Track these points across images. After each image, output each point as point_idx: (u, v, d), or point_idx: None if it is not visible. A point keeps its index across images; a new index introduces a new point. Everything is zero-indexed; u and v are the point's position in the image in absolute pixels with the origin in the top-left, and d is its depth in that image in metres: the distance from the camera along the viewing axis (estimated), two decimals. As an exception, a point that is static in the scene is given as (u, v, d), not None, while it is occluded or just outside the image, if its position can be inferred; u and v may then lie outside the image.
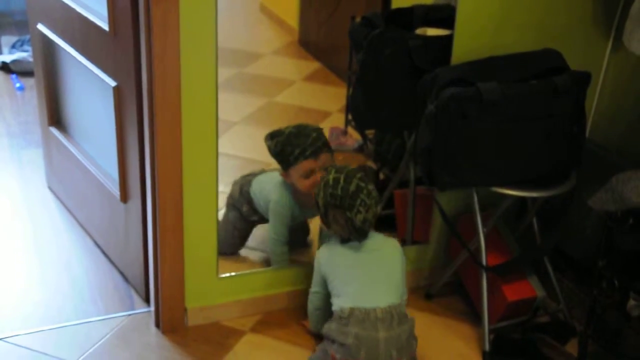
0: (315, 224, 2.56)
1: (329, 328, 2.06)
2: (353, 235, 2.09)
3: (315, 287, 2.21)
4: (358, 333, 2.00)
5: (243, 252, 2.56)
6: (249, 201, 2.49)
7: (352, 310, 2.02)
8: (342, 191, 2.05)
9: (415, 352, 2.10)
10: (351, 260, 2.12)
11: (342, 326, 2.03)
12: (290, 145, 2.28)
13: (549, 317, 2.41)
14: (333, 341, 2.04)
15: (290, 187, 2.37)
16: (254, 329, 2.35)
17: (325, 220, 2.13)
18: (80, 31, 2.43)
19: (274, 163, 2.41)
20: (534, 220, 2.38)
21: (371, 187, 2.08)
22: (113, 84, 2.31)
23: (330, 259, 2.14)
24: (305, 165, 2.29)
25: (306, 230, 2.63)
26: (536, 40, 2.30)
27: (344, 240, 2.14)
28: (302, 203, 2.39)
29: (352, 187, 2.05)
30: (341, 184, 2.05)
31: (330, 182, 2.07)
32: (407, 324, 2.07)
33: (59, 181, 2.92)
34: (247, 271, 2.42)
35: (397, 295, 2.09)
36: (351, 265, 2.11)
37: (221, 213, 2.50)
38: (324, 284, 2.15)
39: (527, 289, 2.36)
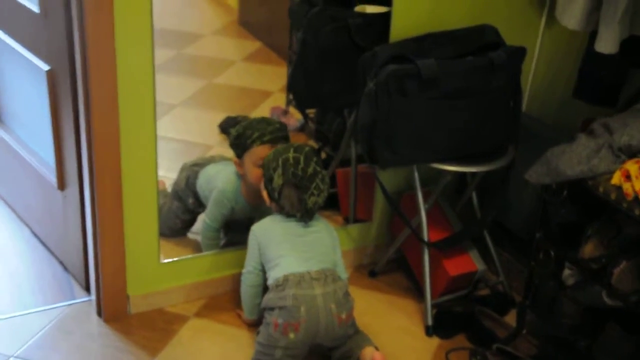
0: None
1: (267, 298, 2.08)
2: (300, 214, 2.11)
3: (248, 266, 2.18)
4: (295, 293, 2.02)
5: (185, 236, 2.54)
6: (195, 194, 2.45)
7: (286, 277, 2.04)
8: (301, 172, 2.08)
9: (353, 311, 2.10)
10: (290, 235, 2.13)
11: (279, 292, 2.04)
12: (250, 128, 2.27)
13: (489, 290, 2.46)
14: (272, 309, 2.05)
15: (239, 179, 2.35)
16: (199, 314, 2.34)
17: (274, 195, 2.13)
18: (9, 13, 2.35)
19: (215, 146, 2.35)
20: (474, 195, 2.43)
21: (325, 172, 2.13)
22: (46, 67, 2.24)
23: (269, 230, 2.14)
24: (260, 151, 2.23)
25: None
26: (472, 16, 2.32)
27: (287, 216, 2.14)
28: (247, 199, 2.36)
29: (310, 170, 2.08)
30: (301, 165, 2.08)
31: (291, 160, 2.08)
32: (342, 282, 2.10)
33: (-8, 169, 2.83)
34: (190, 255, 2.39)
35: (332, 267, 2.12)
36: (289, 239, 2.12)
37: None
38: (259, 258, 2.15)
39: (468, 263, 2.40)
